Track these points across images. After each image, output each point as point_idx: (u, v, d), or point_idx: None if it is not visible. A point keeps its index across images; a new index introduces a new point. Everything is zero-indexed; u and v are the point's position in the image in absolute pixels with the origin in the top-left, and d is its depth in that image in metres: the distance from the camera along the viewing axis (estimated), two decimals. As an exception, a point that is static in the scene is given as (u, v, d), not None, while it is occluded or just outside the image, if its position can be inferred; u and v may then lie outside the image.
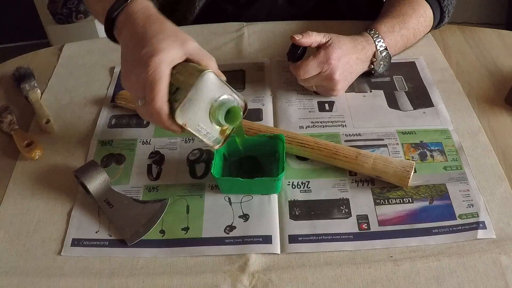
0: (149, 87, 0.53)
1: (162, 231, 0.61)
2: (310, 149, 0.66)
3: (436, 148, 0.69)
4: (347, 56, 0.73)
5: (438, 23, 0.86)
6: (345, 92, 0.79)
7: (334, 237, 0.59)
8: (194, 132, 0.55)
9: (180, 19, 0.96)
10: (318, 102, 0.78)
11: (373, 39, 0.76)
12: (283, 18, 0.96)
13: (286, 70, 0.84)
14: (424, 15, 0.82)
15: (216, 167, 0.63)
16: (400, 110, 0.76)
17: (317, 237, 0.59)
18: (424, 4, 0.82)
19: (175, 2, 0.97)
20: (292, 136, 0.68)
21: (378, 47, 0.76)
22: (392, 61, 0.79)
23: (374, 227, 0.60)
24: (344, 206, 0.62)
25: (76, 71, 0.86)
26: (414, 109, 0.76)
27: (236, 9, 0.99)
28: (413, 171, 0.62)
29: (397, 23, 0.79)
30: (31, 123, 0.77)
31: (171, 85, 0.54)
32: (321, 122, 0.74)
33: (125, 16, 0.59)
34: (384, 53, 0.77)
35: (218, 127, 0.57)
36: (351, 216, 0.61)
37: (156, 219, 0.61)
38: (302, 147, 0.67)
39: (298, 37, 0.71)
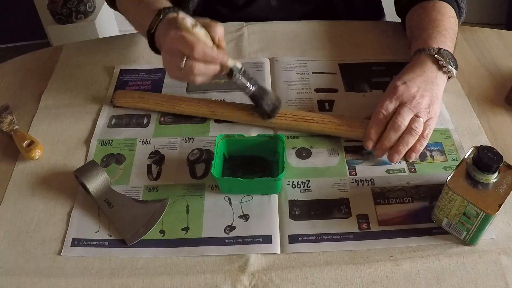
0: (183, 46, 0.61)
1: (162, 231, 0.61)
2: (316, 123, 0.70)
3: (436, 148, 0.69)
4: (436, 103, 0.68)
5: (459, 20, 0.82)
6: (345, 91, 0.79)
7: (334, 237, 0.59)
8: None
9: None
10: (318, 101, 0.78)
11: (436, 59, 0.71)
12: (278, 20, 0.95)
13: (286, 70, 0.84)
14: (452, 15, 0.79)
15: (216, 167, 0.63)
16: (400, 110, 0.76)
17: (317, 237, 0.59)
18: (447, 5, 0.79)
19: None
20: (297, 114, 0.72)
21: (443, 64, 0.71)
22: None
23: (374, 227, 0.60)
24: (344, 206, 0.62)
25: (76, 71, 0.86)
26: (414, 109, 0.76)
27: (231, 12, 0.99)
28: None
29: (441, 31, 0.75)
30: (31, 123, 0.77)
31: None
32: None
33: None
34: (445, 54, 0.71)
35: None
36: (351, 216, 0.61)
37: (156, 219, 0.61)
38: (309, 123, 0.70)
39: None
